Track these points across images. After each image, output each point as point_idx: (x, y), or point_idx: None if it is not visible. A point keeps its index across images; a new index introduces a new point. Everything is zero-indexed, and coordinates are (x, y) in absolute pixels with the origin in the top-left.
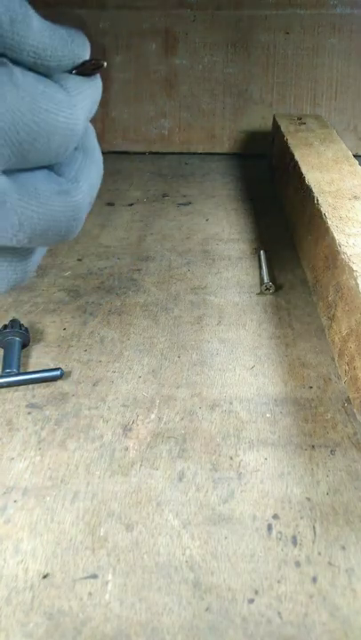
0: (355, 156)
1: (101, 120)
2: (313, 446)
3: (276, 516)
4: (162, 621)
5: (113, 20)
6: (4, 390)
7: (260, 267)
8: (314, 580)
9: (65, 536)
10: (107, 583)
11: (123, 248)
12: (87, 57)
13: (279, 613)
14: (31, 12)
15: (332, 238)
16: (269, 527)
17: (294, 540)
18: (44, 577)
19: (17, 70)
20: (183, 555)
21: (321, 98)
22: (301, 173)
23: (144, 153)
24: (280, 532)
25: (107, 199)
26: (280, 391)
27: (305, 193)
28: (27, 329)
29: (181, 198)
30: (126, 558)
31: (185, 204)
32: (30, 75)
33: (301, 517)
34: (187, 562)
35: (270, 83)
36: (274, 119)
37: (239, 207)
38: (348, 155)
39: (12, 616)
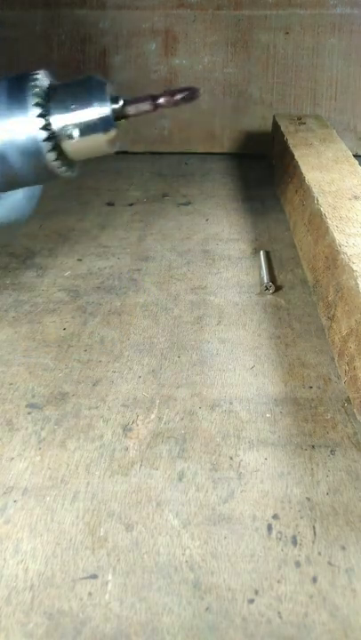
0: (355, 155)
1: None
2: (313, 446)
3: (276, 516)
4: (162, 621)
5: (113, 19)
6: (4, 390)
7: (261, 267)
8: (314, 579)
9: (65, 536)
10: (107, 583)
11: (123, 248)
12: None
13: (279, 613)
14: None
15: (332, 238)
16: (269, 527)
17: (294, 540)
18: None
19: None
20: (183, 555)
21: (321, 98)
22: (301, 173)
23: (144, 153)
24: (280, 532)
25: (107, 199)
26: (280, 391)
27: (305, 193)
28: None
29: (181, 198)
30: (126, 558)
31: (185, 204)
32: None
33: (301, 517)
34: (187, 562)
35: (270, 83)
36: (274, 119)
37: (239, 207)
38: (348, 155)
39: (12, 616)
